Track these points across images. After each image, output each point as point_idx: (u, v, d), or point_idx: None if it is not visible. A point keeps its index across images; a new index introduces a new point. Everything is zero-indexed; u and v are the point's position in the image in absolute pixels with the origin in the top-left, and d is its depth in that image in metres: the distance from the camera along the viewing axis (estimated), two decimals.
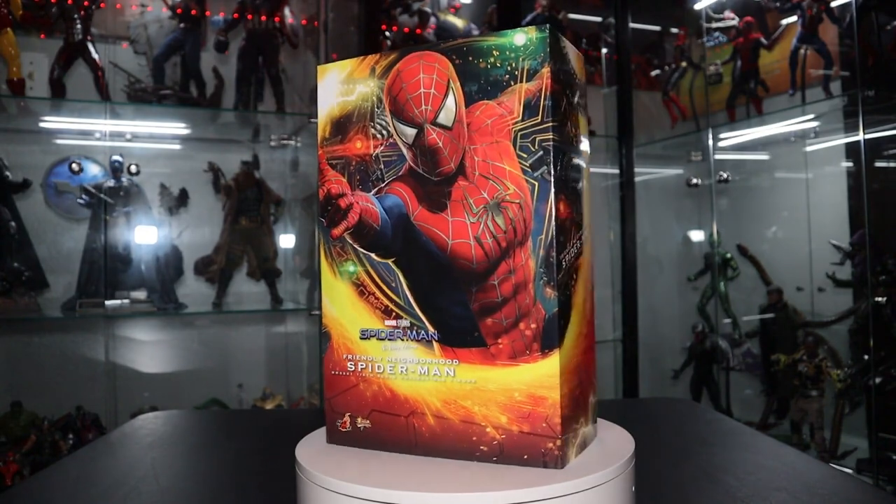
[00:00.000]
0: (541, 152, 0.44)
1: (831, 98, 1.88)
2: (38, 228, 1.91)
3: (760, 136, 2.24)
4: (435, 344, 0.47)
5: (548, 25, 0.45)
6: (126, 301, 1.91)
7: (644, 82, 2.60)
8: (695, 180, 2.38)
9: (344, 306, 0.50)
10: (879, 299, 1.68)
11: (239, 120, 2.20)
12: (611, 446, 0.48)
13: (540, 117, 0.44)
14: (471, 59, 0.47)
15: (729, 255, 2.21)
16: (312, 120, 2.05)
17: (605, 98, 2.51)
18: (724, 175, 2.23)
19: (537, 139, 0.44)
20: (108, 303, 1.86)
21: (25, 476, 1.61)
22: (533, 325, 0.44)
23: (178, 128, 2.20)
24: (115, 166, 1.91)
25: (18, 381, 1.92)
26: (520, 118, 0.45)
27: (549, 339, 0.44)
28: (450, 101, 0.47)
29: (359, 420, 0.50)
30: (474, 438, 0.46)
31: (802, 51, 1.88)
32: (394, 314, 0.49)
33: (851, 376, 1.73)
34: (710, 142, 2.24)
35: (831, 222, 2.02)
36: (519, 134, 0.45)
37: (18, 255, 1.79)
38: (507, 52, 0.45)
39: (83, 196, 1.90)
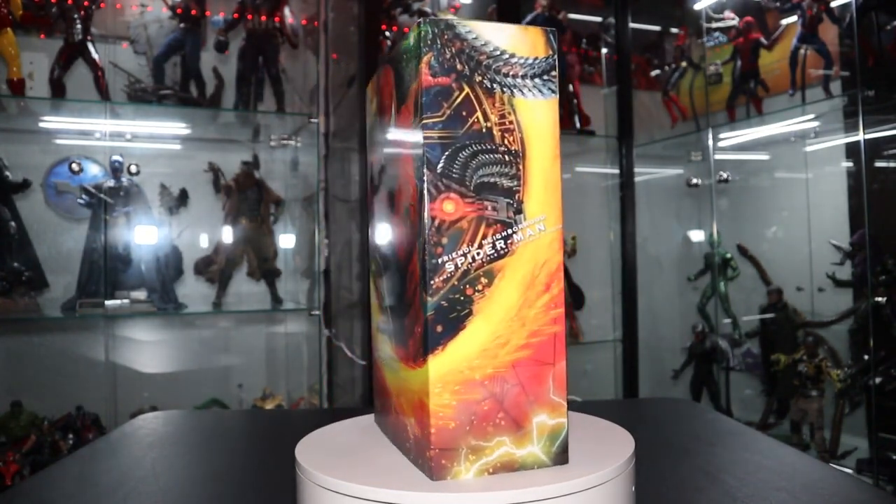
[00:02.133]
0: (420, 151, 0.43)
1: (831, 98, 1.88)
2: (38, 228, 1.91)
3: (760, 136, 2.24)
4: (392, 341, 0.50)
5: (425, 18, 0.44)
6: (126, 301, 1.91)
7: (644, 82, 2.60)
8: (695, 180, 2.38)
9: (374, 301, 0.56)
10: (879, 299, 1.68)
11: (239, 120, 2.20)
12: (611, 446, 0.48)
13: (419, 116, 0.43)
14: (397, 65, 0.48)
15: (729, 255, 2.21)
16: (312, 120, 2.05)
17: (605, 98, 2.51)
18: (724, 175, 2.23)
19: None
20: (108, 303, 1.86)
21: (25, 476, 1.61)
22: (418, 330, 0.44)
23: (178, 128, 2.20)
24: (115, 166, 1.91)
25: (18, 381, 1.92)
26: (413, 119, 0.45)
27: (424, 345, 0.43)
28: (392, 110, 0.49)
29: (381, 402, 0.55)
30: (404, 434, 0.48)
31: (802, 51, 1.88)
32: (383, 309, 0.53)
33: (851, 376, 1.73)
34: (710, 142, 2.24)
35: (831, 222, 2.02)
36: (413, 133, 0.45)
37: (18, 255, 1.79)
38: (409, 54, 0.45)
39: (83, 196, 1.90)
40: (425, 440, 0.43)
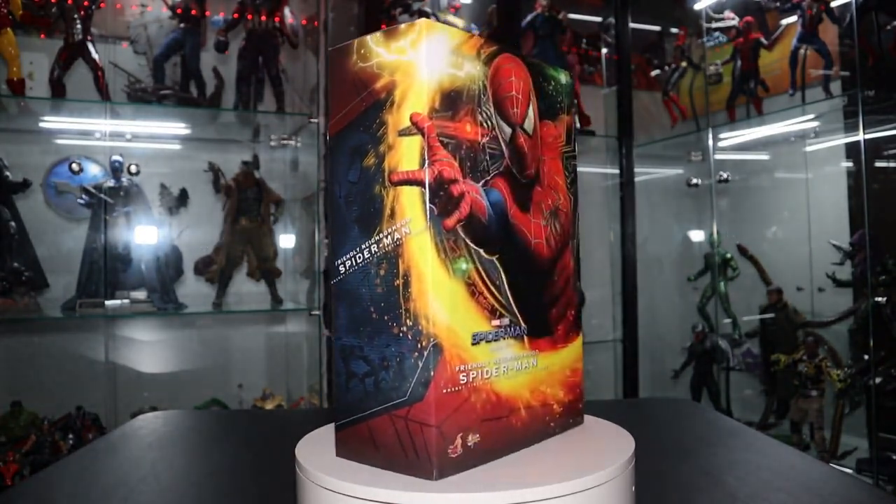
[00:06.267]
0: (573, 174, 0.55)
1: (831, 98, 1.87)
2: (38, 228, 1.91)
3: (760, 136, 2.24)
4: (525, 338, 0.49)
5: (568, 73, 0.56)
6: (126, 301, 1.91)
7: (644, 82, 2.60)
8: (695, 180, 2.38)
9: (457, 309, 0.44)
10: (879, 299, 1.68)
11: (239, 120, 2.19)
12: (611, 446, 0.48)
13: (572, 146, 0.55)
14: (540, 78, 0.52)
15: (729, 255, 2.21)
16: (312, 120, 2.05)
17: (605, 98, 2.51)
18: (724, 175, 2.23)
19: (571, 163, 0.55)
20: (108, 303, 1.86)
21: (25, 476, 1.61)
22: (572, 313, 0.54)
23: (178, 128, 2.20)
24: (115, 166, 1.91)
25: (18, 381, 1.92)
26: (564, 143, 0.54)
27: (577, 324, 0.55)
28: (531, 110, 0.51)
29: (469, 437, 0.44)
30: (547, 418, 0.51)
31: (802, 51, 1.88)
32: (498, 313, 0.47)
33: (851, 376, 1.73)
34: (710, 142, 2.24)
35: (831, 222, 2.02)
36: (564, 155, 0.55)
37: (18, 255, 1.79)
38: (558, 85, 0.54)
39: (83, 196, 1.90)
40: (579, 397, 0.55)
